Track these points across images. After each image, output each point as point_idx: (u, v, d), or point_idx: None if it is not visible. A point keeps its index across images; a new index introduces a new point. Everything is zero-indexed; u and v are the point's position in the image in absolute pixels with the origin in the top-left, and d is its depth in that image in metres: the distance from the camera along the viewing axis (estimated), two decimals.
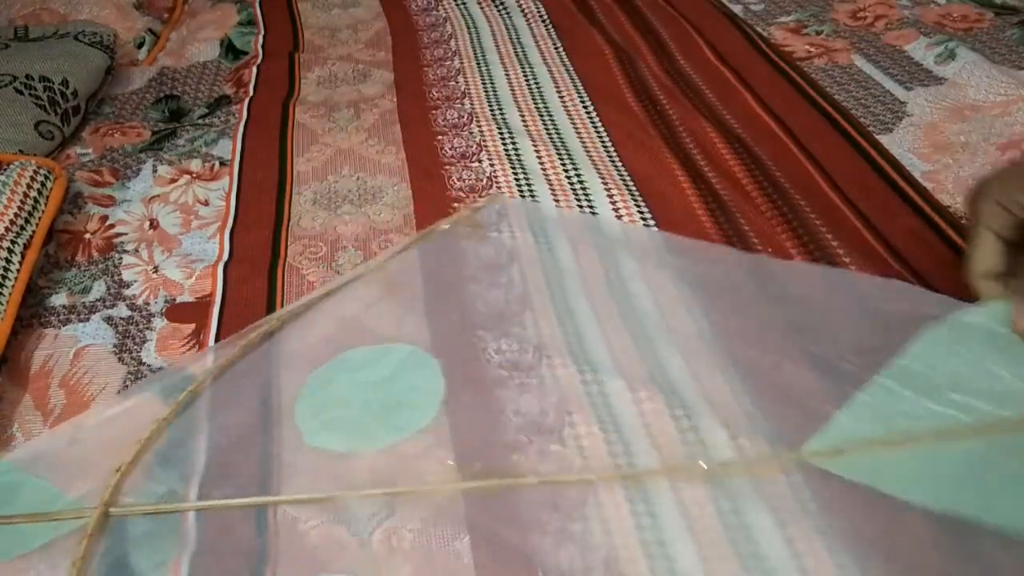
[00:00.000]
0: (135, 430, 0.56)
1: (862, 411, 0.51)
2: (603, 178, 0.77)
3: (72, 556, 0.48)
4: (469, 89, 0.96)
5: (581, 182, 0.77)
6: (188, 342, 0.64)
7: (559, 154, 0.82)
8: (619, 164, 0.80)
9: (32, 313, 0.68)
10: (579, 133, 0.86)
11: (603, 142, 0.84)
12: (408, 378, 0.59)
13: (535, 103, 0.92)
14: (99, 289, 0.70)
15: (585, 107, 0.91)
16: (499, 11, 1.15)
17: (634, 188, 0.76)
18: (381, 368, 0.59)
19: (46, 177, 0.75)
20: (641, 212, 0.73)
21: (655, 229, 0.70)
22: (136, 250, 0.74)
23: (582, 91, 0.94)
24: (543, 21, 1.11)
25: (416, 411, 0.56)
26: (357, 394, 0.58)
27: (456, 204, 0.76)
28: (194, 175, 0.84)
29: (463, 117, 0.90)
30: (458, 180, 0.80)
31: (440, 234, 0.71)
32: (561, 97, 0.93)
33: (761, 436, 0.52)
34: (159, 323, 0.66)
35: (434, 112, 0.92)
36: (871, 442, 0.50)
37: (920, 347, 0.53)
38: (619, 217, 0.72)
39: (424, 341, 0.61)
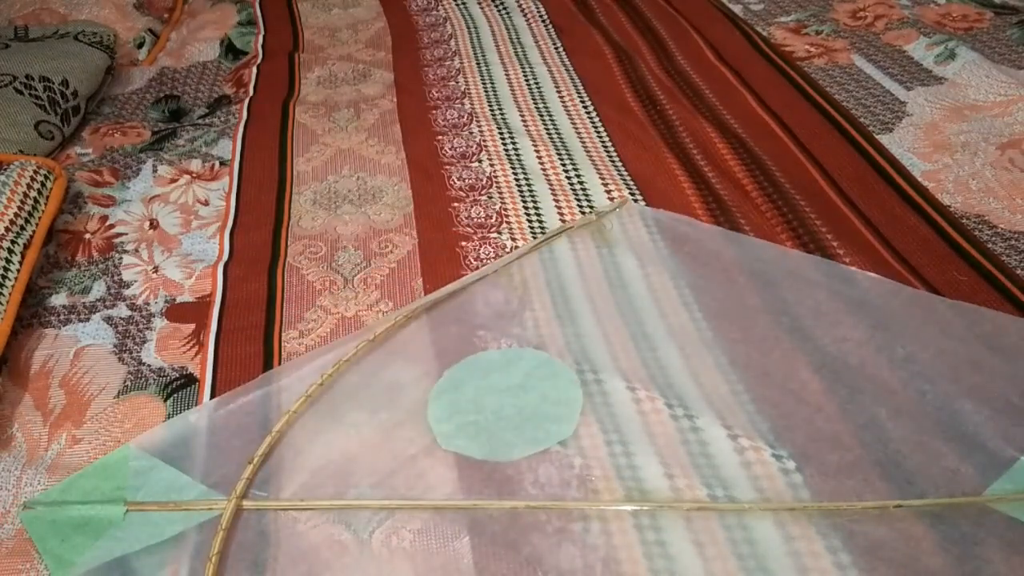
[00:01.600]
0: (261, 421, 0.55)
1: None
2: (603, 178, 0.77)
3: (208, 550, 0.48)
4: (469, 89, 0.96)
5: (581, 182, 0.77)
6: (188, 342, 0.64)
7: (559, 154, 0.82)
8: (619, 164, 0.80)
9: (32, 313, 0.68)
10: (579, 133, 0.86)
11: (603, 142, 0.84)
12: (542, 387, 0.57)
13: (535, 103, 0.92)
14: (99, 289, 0.70)
15: (585, 107, 0.91)
16: (499, 11, 1.15)
17: (634, 187, 0.76)
18: (511, 375, 0.58)
19: (46, 177, 0.75)
20: None
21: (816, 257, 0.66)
22: (136, 250, 0.74)
23: (582, 91, 0.94)
24: (543, 21, 1.11)
25: (556, 424, 0.54)
26: (488, 399, 0.56)
27: (456, 204, 0.76)
28: (194, 175, 0.84)
29: (463, 117, 0.90)
30: (458, 180, 0.80)
31: (566, 237, 0.70)
32: (561, 97, 0.93)
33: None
34: (159, 323, 0.66)
35: (434, 112, 0.92)
36: None
37: None
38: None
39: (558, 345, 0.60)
